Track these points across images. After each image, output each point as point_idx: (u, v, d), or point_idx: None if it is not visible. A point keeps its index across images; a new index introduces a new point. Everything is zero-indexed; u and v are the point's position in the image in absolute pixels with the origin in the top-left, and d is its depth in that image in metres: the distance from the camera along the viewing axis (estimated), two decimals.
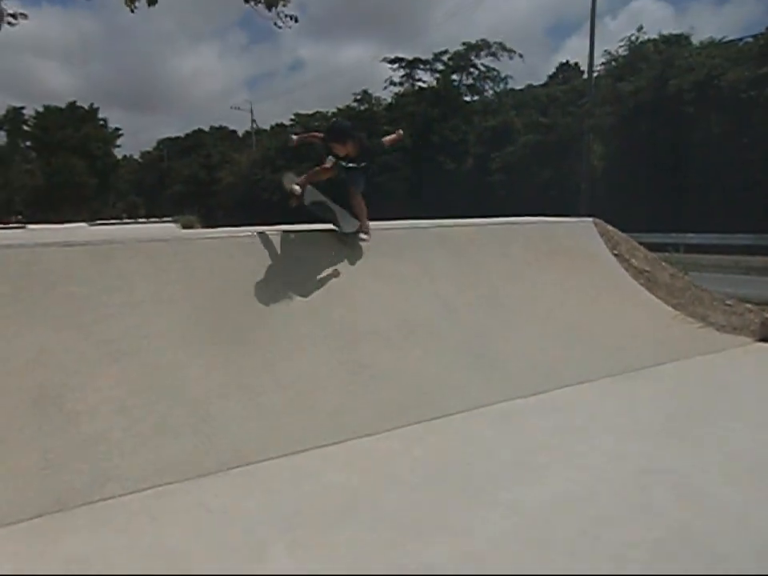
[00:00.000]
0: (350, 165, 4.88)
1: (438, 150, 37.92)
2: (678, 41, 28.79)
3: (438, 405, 3.95)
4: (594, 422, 3.80)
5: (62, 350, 3.63)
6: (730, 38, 26.78)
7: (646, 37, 28.90)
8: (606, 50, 30.43)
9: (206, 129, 70.60)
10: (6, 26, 11.23)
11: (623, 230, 7.30)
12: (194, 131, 70.86)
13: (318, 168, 5.04)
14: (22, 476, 2.90)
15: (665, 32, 29.29)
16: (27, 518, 2.66)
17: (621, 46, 29.48)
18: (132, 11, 9.71)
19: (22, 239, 4.93)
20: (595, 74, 29.39)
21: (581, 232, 6.76)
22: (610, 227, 7.03)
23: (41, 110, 53.27)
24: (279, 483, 3.02)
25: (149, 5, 9.73)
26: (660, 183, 24.12)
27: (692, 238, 19.37)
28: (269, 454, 3.27)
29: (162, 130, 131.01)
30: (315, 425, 3.57)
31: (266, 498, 2.86)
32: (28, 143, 53.72)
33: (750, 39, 25.01)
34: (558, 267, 6.01)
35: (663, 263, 7.01)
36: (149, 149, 74.63)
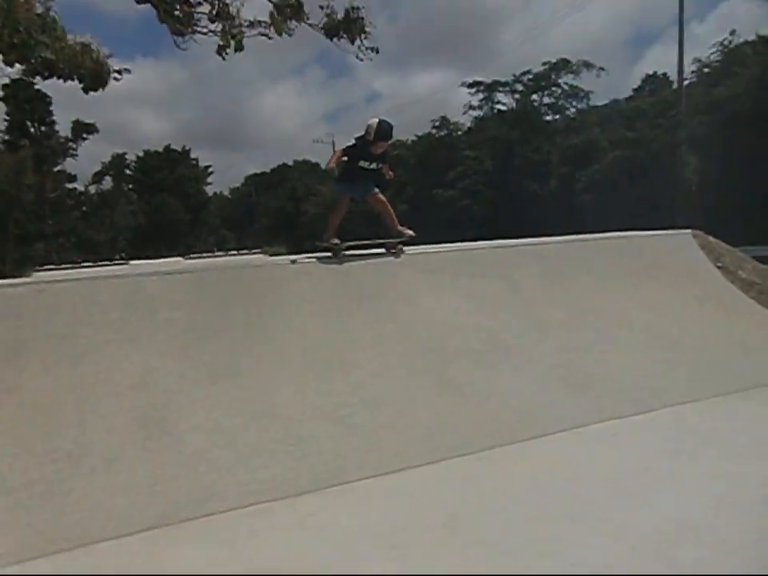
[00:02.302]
0: (371, 167, 5.09)
1: (520, 171, 37.46)
2: None
3: (533, 425, 3.82)
4: (705, 443, 3.53)
5: (164, 373, 3.82)
6: None
7: (741, 39, 27.45)
8: (695, 58, 29.23)
9: (290, 163, 73.51)
10: (110, 80, 12.20)
11: (727, 244, 6.86)
12: (279, 166, 73.92)
13: (333, 215, 5.26)
14: (133, 491, 3.04)
15: (762, 33, 27.68)
16: (138, 530, 2.78)
17: (713, 52, 28.18)
18: (223, 59, 10.29)
19: (126, 271, 5.29)
20: (685, 83, 28.16)
21: (678, 244, 6.40)
22: (711, 238, 6.62)
23: (140, 154, 57.45)
24: (375, 502, 3.00)
25: (235, 51, 10.28)
26: (765, 195, 22.56)
27: None
28: (363, 473, 3.26)
29: (248, 166, 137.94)
30: (408, 444, 3.54)
31: (363, 517, 2.85)
32: (130, 186, 57.88)
33: None
34: (655, 282, 5.71)
35: None
36: (237, 185, 78.62)
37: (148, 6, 9.47)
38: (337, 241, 5.04)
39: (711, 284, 5.97)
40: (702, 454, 3.35)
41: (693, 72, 29.09)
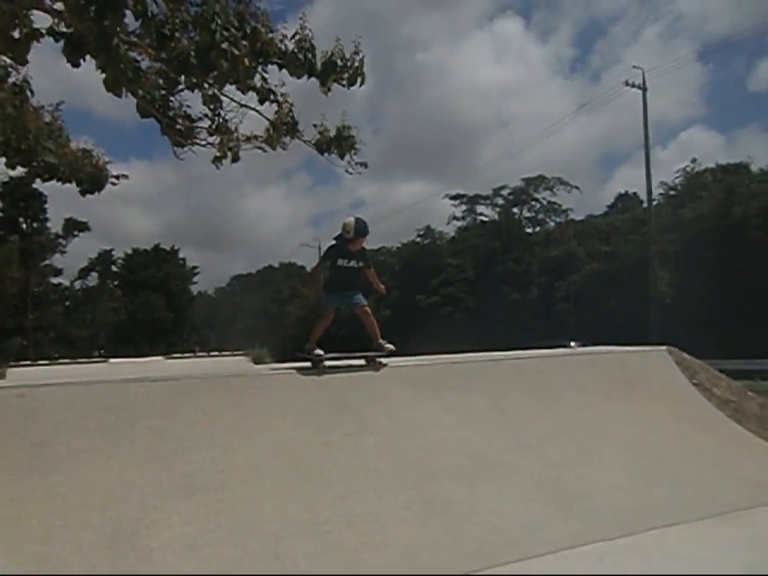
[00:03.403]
0: (350, 264, 5.28)
1: (502, 280, 38.44)
2: (736, 169, 29.21)
3: (517, 546, 3.73)
4: (696, 571, 3.47)
5: (140, 484, 3.73)
6: None
7: (702, 167, 29.54)
8: (662, 182, 31.32)
9: (276, 265, 74.93)
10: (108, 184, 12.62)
11: (698, 357, 7.04)
12: (265, 268, 75.30)
13: (318, 325, 5.37)
14: None
15: (721, 161, 29.93)
16: None
17: (677, 177, 30.18)
18: (218, 168, 10.76)
19: (106, 374, 5.27)
20: (654, 203, 29.85)
21: (655, 361, 6.56)
22: (686, 355, 6.80)
23: (128, 251, 58.17)
24: None
25: (232, 162, 10.76)
26: (734, 308, 23.33)
27: None
28: None
29: (233, 266, 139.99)
30: (388, 565, 3.43)
31: None
32: (116, 283, 58.07)
33: None
34: (634, 398, 5.80)
35: (750, 392, 6.63)
36: (222, 284, 79.43)
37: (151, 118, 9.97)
38: (319, 352, 5.09)
39: (689, 401, 6.07)
40: None
41: (660, 194, 31.03)
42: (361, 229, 5.21)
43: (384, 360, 5.32)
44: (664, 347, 6.92)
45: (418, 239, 49.28)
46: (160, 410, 4.29)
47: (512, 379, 5.60)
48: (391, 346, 5.29)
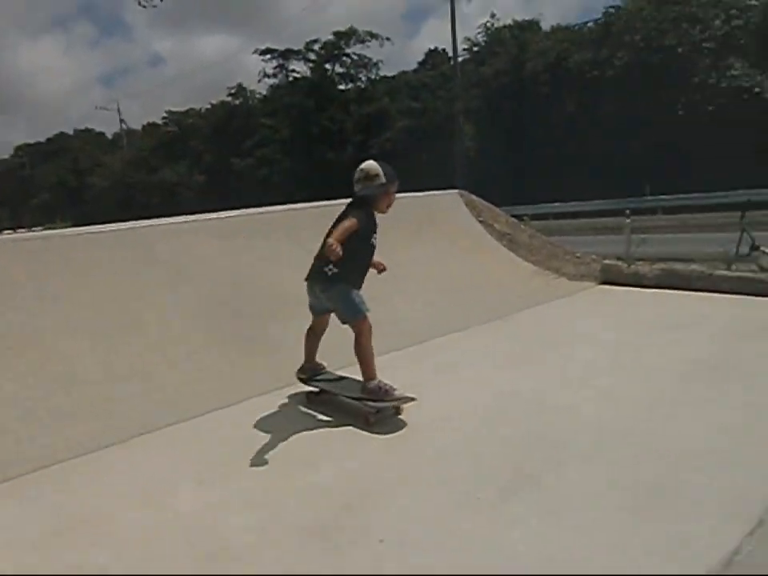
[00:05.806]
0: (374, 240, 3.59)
1: (318, 140, 38.09)
2: (530, 26, 30.89)
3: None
4: (465, 358, 4.38)
5: None
6: (574, 23, 29.20)
7: (501, 23, 30.81)
8: (466, 37, 32.12)
9: (70, 132, 66.38)
10: None
11: (497, 205, 8.04)
12: (57, 135, 66.32)
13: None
14: None
15: (517, 18, 31.39)
16: None
17: (479, 33, 31.21)
18: None
19: None
20: (461, 59, 30.84)
21: (447, 203, 7.38)
22: (474, 197, 7.71)
23: None
24: (180, 444, 3.28)
25: None
26: (526, 159, 25.90)
27: (556, 207, 21.18)
28: (168, 422, 3.50)
29: (12, 134, 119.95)
30: (203, 392, 3.84)
31: (170, 458, 3.13)
32: None
33: (591, 24, 27.49)
34: (430, 235, 6.57)
35: (522, 226, 7.80)
36: (5, 156, 69.15)
37: None
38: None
39: (475, 235, 7.03)
40: (458, 367, 4.18)
41: (465, 50, 31.99)
42: (390, 172, 3.55)
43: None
44: (455, 191, 7.76)
45: (228, 98, 46.32)
46: None
47: (314, 226, 5.98)
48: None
